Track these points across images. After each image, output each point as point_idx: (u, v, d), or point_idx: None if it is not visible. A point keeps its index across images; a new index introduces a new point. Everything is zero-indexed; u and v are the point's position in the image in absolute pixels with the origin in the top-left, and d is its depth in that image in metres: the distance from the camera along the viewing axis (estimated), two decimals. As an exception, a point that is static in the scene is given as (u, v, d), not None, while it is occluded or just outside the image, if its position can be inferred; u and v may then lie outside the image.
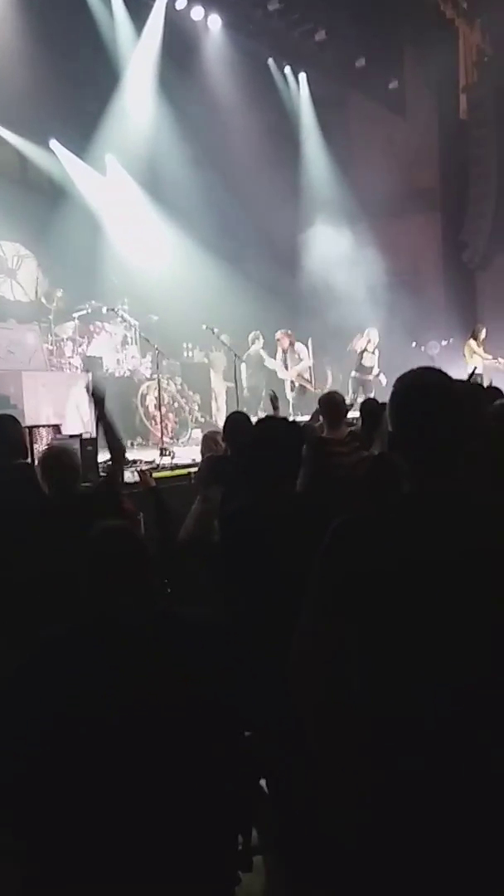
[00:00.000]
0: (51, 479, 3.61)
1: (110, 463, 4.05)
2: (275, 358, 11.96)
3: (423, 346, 12.71)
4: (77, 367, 10.55)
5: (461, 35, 14.64)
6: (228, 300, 12.66)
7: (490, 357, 12.44)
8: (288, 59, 14.89)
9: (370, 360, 11.94)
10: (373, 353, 11.99)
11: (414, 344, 12.91)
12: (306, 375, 11.94)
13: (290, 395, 11.52)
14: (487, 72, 14.70)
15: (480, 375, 12.37)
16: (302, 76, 15.31)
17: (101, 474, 5.07)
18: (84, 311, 11.16)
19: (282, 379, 11.79)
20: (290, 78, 15.21)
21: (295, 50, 14.52)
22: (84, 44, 11.74)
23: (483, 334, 12.76)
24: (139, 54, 12.55)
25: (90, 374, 5.91)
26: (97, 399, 3.95)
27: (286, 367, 11.82)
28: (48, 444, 6.20)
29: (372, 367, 11.92)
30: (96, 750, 1.93)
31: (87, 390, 4.10)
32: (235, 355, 10.62)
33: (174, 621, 2.11)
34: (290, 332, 12.10)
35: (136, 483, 4.60)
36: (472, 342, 12.73)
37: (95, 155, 12.62)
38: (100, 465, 6.44)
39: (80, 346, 10.97)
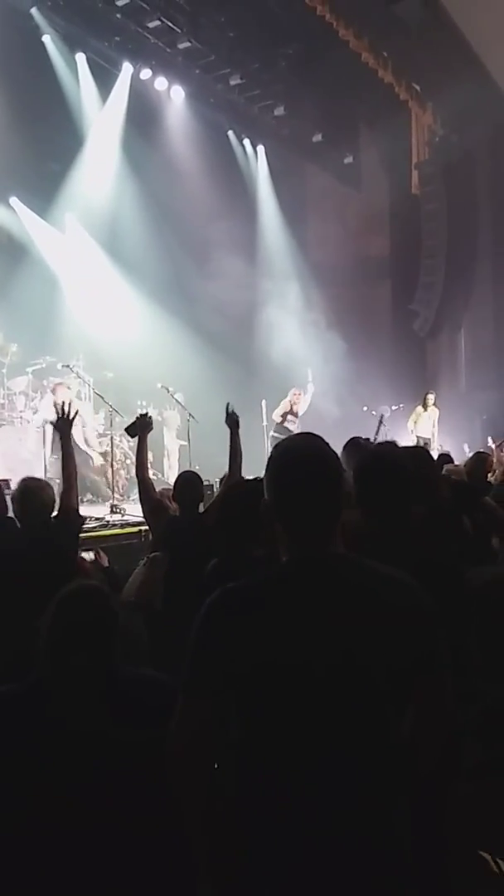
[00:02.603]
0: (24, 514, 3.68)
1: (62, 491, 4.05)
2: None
3: (374, 411, 12.92)
4: (28, 421, 10.47)
5: (414, 115, 15.33)
6: (184, 360, 12.78)
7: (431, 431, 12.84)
8: (247, 131, 15.39)
9: (293, 424, 11.97)
10: (297, 416, 12.06)
11: (365, 408, 13.11)
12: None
13: None
14: (438, 150, 15.38)
15: (427, 440, 12.64)
16: (260, 148, 15.80)
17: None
18: (38, 366, 11.14)
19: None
20: (249, 149, 15.70)
21: (254, 123, 15.03)
22: (49, 105, 12.00)
23: (431, 401, 13.07)
24: (103, 119, 12.85)
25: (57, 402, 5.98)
26: (63, 430, 4.08)
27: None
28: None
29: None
30: (38, 815, 1.90)
31: (53, 424, 4.22)
32: (190, 414, 10.67)
33: (124, 679, 2.10)
34: (297, 391, 12.32)
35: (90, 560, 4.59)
36: (419, 409, 13.03)
37: (56, 214, 12.77)
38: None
39: (32, 400, 10.91)
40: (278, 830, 1.64)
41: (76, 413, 4.31)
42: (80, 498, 5.45)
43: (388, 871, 1.65)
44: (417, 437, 12.63)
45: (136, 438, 4.93)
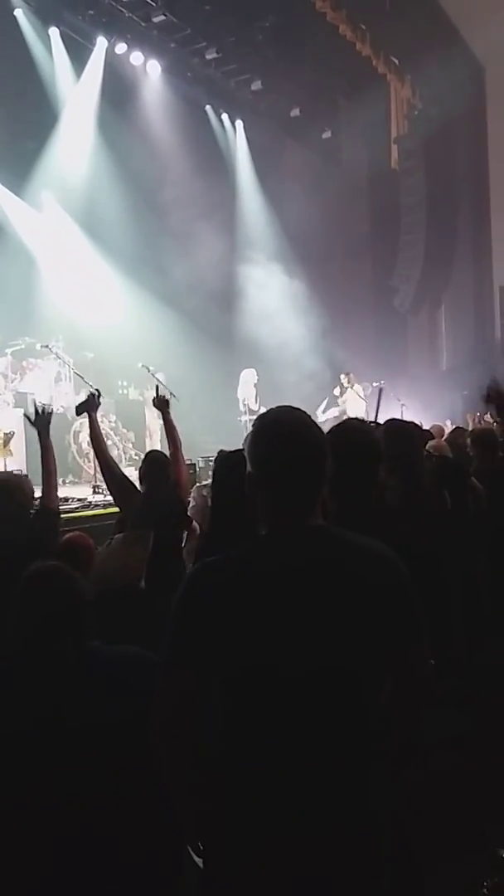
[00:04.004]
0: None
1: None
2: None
3: (373, 383, 12.92)
4: (8, 403, 10.40)
5: (392, 89, 15.24)
6: (164, 338, 12.70)
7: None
8: (225, 106, 15.23)
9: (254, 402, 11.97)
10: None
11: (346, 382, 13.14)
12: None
13: None
14: (417, 124, 15.31)
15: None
16: (238, 123, 15.64)
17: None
18: (18, 347, 11.05)
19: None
20: (227, 124, 15.53)
21: (232, 98, 14.88)
22: (22, 81, 11.78)
23: (346, 381, 12.81)
24: (78, 95, 12.65)
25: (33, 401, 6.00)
26: (42, 428, 4.07)
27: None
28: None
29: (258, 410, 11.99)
30: (19, 797, 1.91)
31: (31, 422, 4.14)
32: (171, 393, 10.60)
33: (102, 659, 2.10)
34: (349, 372, 12.46)
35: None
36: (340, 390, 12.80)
37: (32, 192, 12.59)
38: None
39: (12, 381, 10.83)
40: (258, 800, 1.66)
41: (52, 412, 4.24)
42: (62, 479, 5.43)
43: (364, 842, 1.68)
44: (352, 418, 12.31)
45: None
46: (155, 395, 5.40)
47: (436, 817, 2.90)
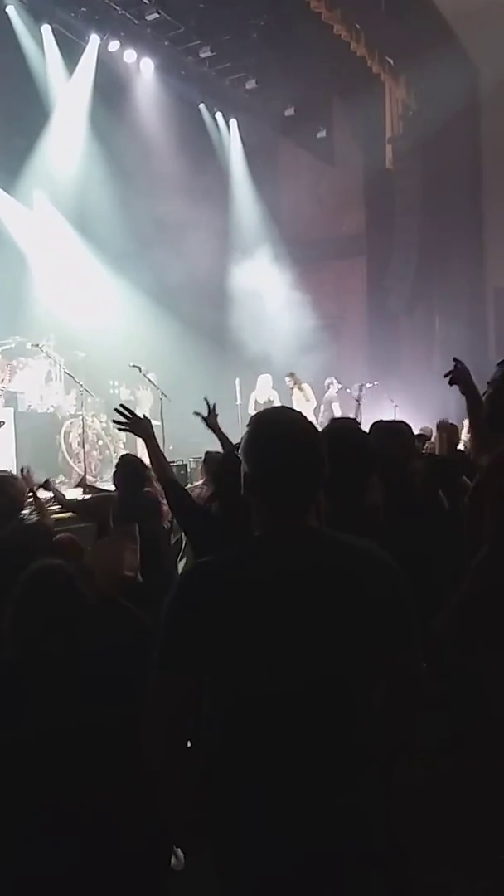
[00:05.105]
0: None
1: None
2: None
3: (348, 388, 12.88)
4: (-2, 402, 10.31)
5: (387, 89, 15.16)
6: (156, 338, 12.65)
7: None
8: (219, 104, 15.19)
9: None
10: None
11: (339, 385, 13.08)
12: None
13: None
14: (412, 125, 15.23)
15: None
16: (233, 122, 15.62)
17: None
18: (8, 346, 10.95)
19: None
20: (221, 123, 15.51)
21: (226, 96, 14.84)
22: (13, 78, 11.72)
23: (290, 383, 12.51)
24: (70, 92, 12.60)
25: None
26: None
27: None
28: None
29: None
30: (12, 796, 1.91)
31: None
32: (163, 394, 10.55)
33: (96, 660, 2.09)
34: (294, 373, 12.26)
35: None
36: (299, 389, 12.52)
37: (23, 190, 12.52)
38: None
39: (1, 381, 10.73)
40: (249, 800, 1.65)
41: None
42: (52, 479, 5.44)
43: (359, 852, 1.67)
44: None
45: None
46: (134, 417, 3.71)
47: (427, 820, 2.86)
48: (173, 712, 1.68)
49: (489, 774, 2.80)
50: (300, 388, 12.45)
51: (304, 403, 12.12)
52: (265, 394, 12.24)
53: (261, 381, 12.48)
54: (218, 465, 3.39)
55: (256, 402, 12.11)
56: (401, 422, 3.85)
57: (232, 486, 2.93)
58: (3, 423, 8.69)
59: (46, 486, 5.16)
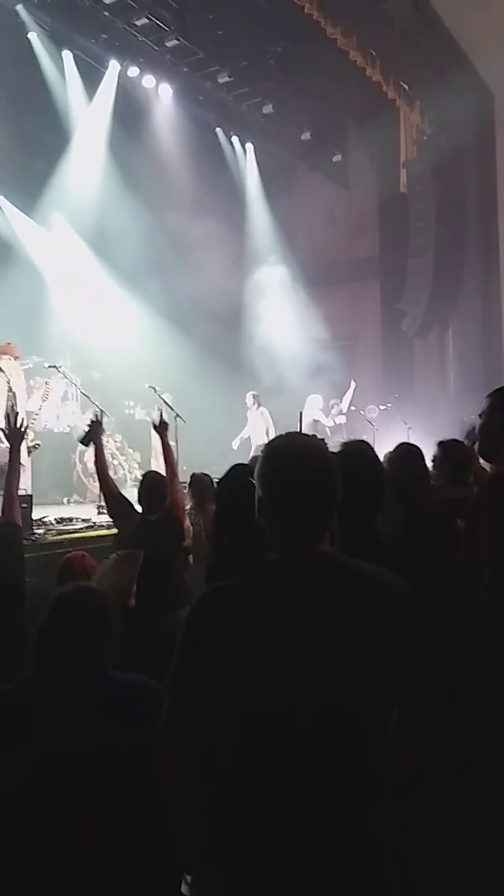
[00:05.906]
0: None
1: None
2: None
3: (362, 410, 12.92)
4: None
5: (402, 114, 15.29)
6: (172, 360, 12.72)
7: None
8: (236, 129, 15.35)
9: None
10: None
11: (353, 408, 13.11)
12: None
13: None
14: (427, 149, 15.35)
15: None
16: (249, 146, 15.77)
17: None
18: (25, 366, 11.04)
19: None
20: (238, 147, 15.66)
21: (243, 121, 14.99)
22: (35, 103, 11.93)
23: (250, 401, 12.37)
24: (90, 116, 12.78)
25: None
26: (15, 441, 3.99)
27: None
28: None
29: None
30: (26, 816, 1.90)
31: (5, 434, 4.06)
32: (177, 415, 10.60)
33: (119, 685, 2.09)
34: (258, 394, 12.32)
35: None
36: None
37: (43, 212, 12.69)
38: (34, 522, 6.38)
39: (40, 406, 10.81)
40: (261, 828, 1.64)
41: (26, 428, 4.16)
42: (66, 499, 5.46)
43: (368, 871, 1.66)
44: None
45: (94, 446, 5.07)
46: (159, 416, 5.43)
47: (433, 844, 2.85)
48: (186, 735, 1.67)
49: (496, 798, 2.78)
50: (258, 410, 12.27)
51: (259, 424, 11.96)
52: (311, 414, 12.20)
53: (310, 401, 12.46)
54: (219, 493, 3.41)
55: (307, 421, 11.93)
56: (415, 446, 3.88)
57: (238, 514, 2.96)
58: (40, 444, 8.69)
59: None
